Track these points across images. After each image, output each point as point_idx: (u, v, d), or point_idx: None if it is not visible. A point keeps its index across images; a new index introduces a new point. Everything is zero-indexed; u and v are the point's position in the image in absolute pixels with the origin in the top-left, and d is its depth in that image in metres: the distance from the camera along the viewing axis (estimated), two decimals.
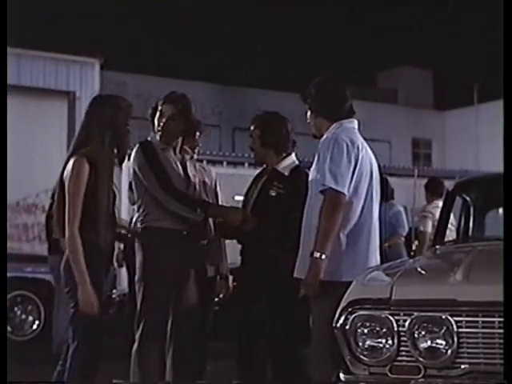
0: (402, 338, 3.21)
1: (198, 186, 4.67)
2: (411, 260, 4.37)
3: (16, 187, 11.78)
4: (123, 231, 4.76)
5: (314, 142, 4.26)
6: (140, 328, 4.39)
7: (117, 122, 4.13)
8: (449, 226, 4.83)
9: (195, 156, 4.97)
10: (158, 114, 4.61)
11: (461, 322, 3.14)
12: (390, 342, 3.23)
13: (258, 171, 4.98)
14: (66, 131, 14.51)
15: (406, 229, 8.88)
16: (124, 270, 7.88)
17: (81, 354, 3.96)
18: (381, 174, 4.28)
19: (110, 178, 4.12)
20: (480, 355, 3.12)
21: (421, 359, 3.19)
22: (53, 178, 4.17)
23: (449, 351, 3.15)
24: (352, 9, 44.69)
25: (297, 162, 4.78)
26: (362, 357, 3.28)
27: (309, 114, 4.22)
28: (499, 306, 3.01)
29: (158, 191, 4.44)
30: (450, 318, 3.15)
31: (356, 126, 4.16)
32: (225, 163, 14.70)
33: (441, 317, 3.16)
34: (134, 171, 4.56)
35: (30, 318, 9.33)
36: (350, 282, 3.50)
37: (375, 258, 4.07)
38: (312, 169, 4.13)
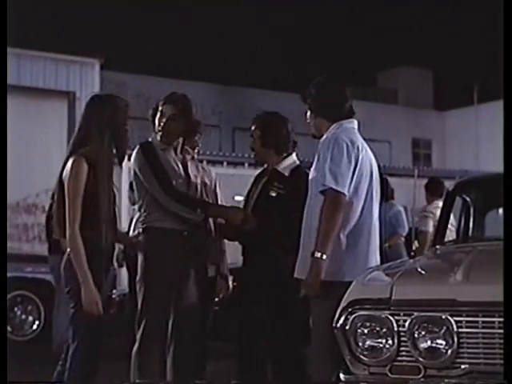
0: (402, 338, 3.21)
1: (199, 187, 4.67)
2: (411, 260, 4.37)
3: (16, 187, 11.78)
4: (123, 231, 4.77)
5: (315, 142, 4.26)
6: (141, 328, 4.40)
7: (115, 121, 4.13)
8: (449, 226, 4.83)
9: (196, 156, 4.97)
10: (158, 114, 4.62)
11: (461, 322, 3.14)
12: (389, 342, 3.23)
13: (258, 171, 4.97)
14: (66, 131, 14.50)
15: (406, 229, 8.88)
16: (124, 269, 7.89)
17: (81, 354, 3.96)
18: (381, 174, 4.28)
19: (109, 177, 4.12)
20: (480, 355, 3.12)
21: (421, 359, 3.19)
22: (53, 178, 4.17)
23: (449, 351, 3.15)
24: (352, 9, 44.72)
25: (297, 162, 4.77)
26: (362, 357, 3.28)
27: (308, 114, 4.22)
28: (499, 306, 3.01)
29: (158, 192, 4.45)
30: (450, 318, 3.15)
31: (356, 127, 4.16)
32: (225, 163, 14.71)
33: (441, 317, 3.16)
34: (135, 172, 4.56)
35: (30, 318, 9.33)
36: (351, 282, 3.50)
37: (375, 258, 4.07)
38: (312, 169, 4.13)
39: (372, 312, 3.27)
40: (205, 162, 5.01)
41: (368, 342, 3.28)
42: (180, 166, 4.60)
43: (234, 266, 5.14)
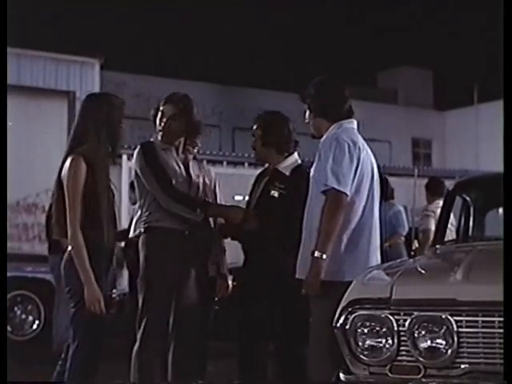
0: (402, 338, 3.22)
1: (201, 186, 4.67)
2: (411, 260, 4.37)
3: (16, 187, 11.78)
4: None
5: (315, 141, 4.26)
6: (141, 327, 4.40)
7: (111, 119, 4.14)
8: (449, 225, 4.83)
9: (197, 156, 4.97)
10: (159, 114, 4.62)
11: (461, 321, 3.14)
12: (389, 341, 3.23)
13: (258, 171, 4.97)
14: (66, 131, 14.49)
15: (406, 228, 8.88)
16: (124, 269, 7.89)
17: (81, 353, 3.96)
18: (380, 174, 4.29)
19: (107, 176, 4.14)
20: (480, 355, 3.12)
21: (421, 359, 3.19)
22: (53, 178, 4.18)
23: (449, 351, 3.16)
24: (352, 9, 44.71)
25: (299, 162, 4.77)
26: (362, 357, 3.28)
27: (307, 114, 4.21)
28: (499, 306, 3.01)
29: (157, 192, 4.45)
30: (450, 317, 3.15)
31: (355, 127, 4.17)
32: (225, 163, 14.70)
33: (441, 316, 3.16)
34: (136, 172, 4.56)
35: (30, 318, 9.33)
36: (351, 282, 3.50)
37: (376, 258, 4.07)
38: (312, 169, 4.13)
39: (372, 312, 3.27)
40: (205, 162, 4.99)
41: (368, 342, 3.28)
42: (181, 165, 4.60)
43: (234, 266, 5.14)
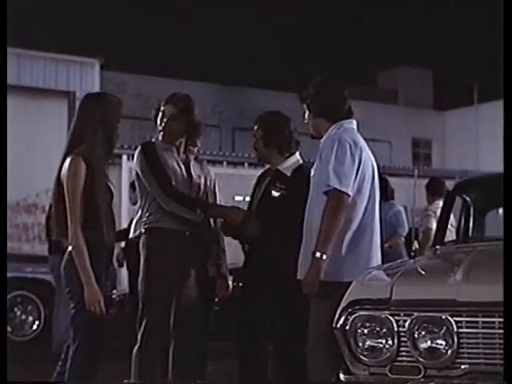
0: (402, 339, 3.21)
1: (202, 186, 4.67)
2: (411, 260, 4.37)
3: (16, 187, 11.79)
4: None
5: (315, 142, 4.26)
6: (142, 327, 4.40)
7: (108, 119, 4.14)
8: (449, 226, 4.83)
9: (199, 156, 4.96)
10: (160, 114, 4.62)
11: (461, 322, 3.14)
12: (390, 342, 3.23)
13: (258, 171, 4.98)
14: (66, 131, 14.47)
15: (406, 229, 8.88)
16: (124, 269, 7.89)
17: (81, 354, 3.96)
18: (380, 175, 4.29)
19: (105, 175, 4.14)
20: (480, 355, 3.12)
21: (421, 359, 3.19)
22: (53, 178, 4.18)
23: (449, 351, 3.15)
24: (352, 9, 44.71)
25: (300, 162, 4.76)
26: (362, 357, 3.28)
27: (307, 114, 4.21)
28: (499, 306, 3.01)
29: (157, 192, 4.45)
30: (450, 318, 3.15)
31: (355, 127, 4.17)
32: (225, 163, 14.70)
33: (441, 317, 3.16)
34: (137, 173, 4.56)
35: (30, 318, 9.33)
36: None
37: (376, 259, 4.07)
38: (313, 169, 4.12)
39: (372, 312, 3.27)
40: (205, 162, 4.98)
41: (368, 342, 3.28)
42: (182, 166, 4.60)
43: (234, 266, 5.14)
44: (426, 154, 28.24)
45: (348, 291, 3.39)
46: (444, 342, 3.16)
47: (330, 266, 3.83)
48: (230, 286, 4.93)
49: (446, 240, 4.70)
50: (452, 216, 4.94)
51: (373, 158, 4.13)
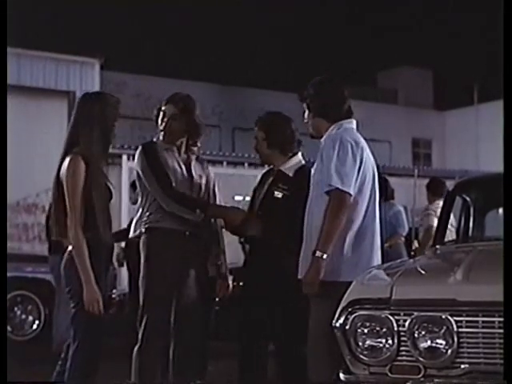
0: (402, 338, 3.21)
1: (203, 187, 4.67)
2: (411, 260, 4.37)
3: (16, 187, 11.79)
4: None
5: (315, 142, 4.26)
6: (142, 327, 4.40)
7: (107, 118, 4.14)
8: (449, 226, 4.83)
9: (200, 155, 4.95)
10: (161, 114, 4.62)
11: (461, 321, 3.14)
12: (389, 341, 3.23)
13: (258, 171, 4.98)
14: (66, 131, 14.48)
15: (406, 229, 8.88)
16: (124, 269, 7.89)
17: (81, 353, 3.96)
18: (380, 175, 4.29)
19: (104, 175, 4.14)
20: (480, 355, 3.12)
21: (421, 359, 3.19)
22: (53, 178, 4.17)
23: (449, 351, 3.16)
24: (352, 9, 44.71)
25: (303, 162, 4.76)
26: (361, 357, 3.28)
27: (306, 113, 4.21)
28: (499, 306, 3.01)
29: (157, 192, 4.45)
30: (450, 317, 3.15)
31: (355, 127, 4.17)
32: (225, 163, 14.71)
33: (441, 317, 3.16)
34: (137, 173, 4.57)
35: (30, 318, 9.33)
36: None
37: (377, 259, 4.07)
38: (313, 169, 4.12)
39: (372, 312, 3.27)
40: (206, 162, 4.98)
41: (368, 342, 3.28)
42: (183, 166, 4.60)
43: (234, 266, 5.14)
44: (426, 154, 28.24)
45: (348, 291, 3.39)
46: (444, 342, 3.16)
47: (330, 265, 3.83)
48: (230, 285, 4.93)
49: (445, 240, 4.70)
50: (452, 216, 4.94)
51: (373, 158, 4.13)
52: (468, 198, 5.01)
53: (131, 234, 4.68)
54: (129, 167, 12.84)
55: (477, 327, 3.11)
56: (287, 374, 4.60)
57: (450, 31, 43.69)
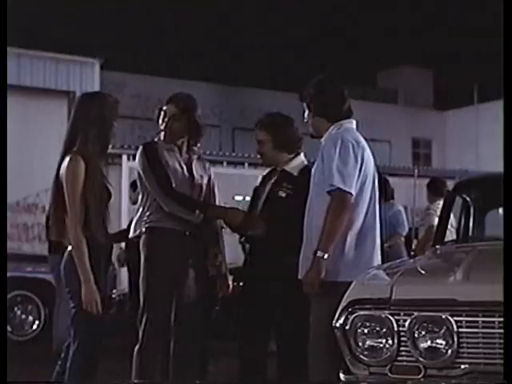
0: (402, 338, 3.21)
1: (204, 187, 4.66)
2: (411, 260, 4.37)
3: (16, 187, 11.78)
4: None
5: (314, 141, 4.25)
6: (143, 327, 4.40)
7: (105, 118, 4.14)
8: (449, 226, 4.83)
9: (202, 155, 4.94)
10: (162, 114, 4.62)
11: (461, 321, 3.14)
12: (390, 341, 3.23)
13: (258, 171, 4.97)
14: None
15: (406, 229, 8.89)
16: (124, 269, 7.89)
17: (81, 353, 3.96)
18: (379, 174, 4.28)
19: (103, 174, 4.14)
20: (480, 355, 3.12)
21: (421, 359, 3.19)
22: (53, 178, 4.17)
23: (449, 351, 3.16)
24: (352, 9, 44.72)
25: (305, 162, 4.75)
26: (362, 357, 3.28)
27: (307, 113, 4.21)
28: (499, 306, 3.01)
29: (158, 193, 4.45)
30: (450, 317, 3.15)
31: (355, 127, 4.17)
32: (225, 163, 14.71)
33: (441, 317, 3.16)
34: (138, 172, 4.57)
35: (30, 318, 9.33)
36: None
37: (377, 259, 4.07)
38: (314, 169, 4.12)
39: (372, 312, 3.27)
40: (207, 162, 4.96)
41: (368, 342, 3.28)
42: (184, 166, 4.59)
43: (234, 266, 5.14)
44: (426, 154, 28.23)
45: (348, 291, 3.39)
46: (444, 342, 3.16)
47: (331, 265, 3.83)
48: (230, 285, 4.93)
49: (445, 240, 4.70)
50: (452, 216, 4.94)
51: (372, 158, 4.13)
52: (468, 198, 5.01)
53: (131, 234, 4.68)
54: (129, 167, 12.84)
55: (477, 327, 3.12)
56: (287, 374, 4.60)
57: (449, 31, 43.71)
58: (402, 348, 3.22)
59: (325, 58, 33.72)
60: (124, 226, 7.49)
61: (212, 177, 4.91)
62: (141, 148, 4.60)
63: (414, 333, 3.19)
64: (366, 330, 3.28)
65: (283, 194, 4.59)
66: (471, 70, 30.65)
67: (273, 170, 4.81)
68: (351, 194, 3.86)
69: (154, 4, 36.40)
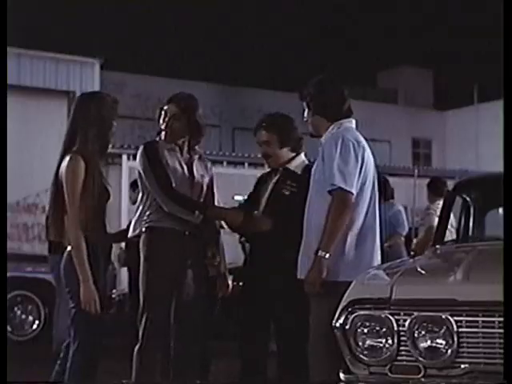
0: (402, 338, 3.21)
1: (204, 186, 4.66)
2: (411, 260, 4.37)
3: (16, 187, 11.78)
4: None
5: (313, 140, 4.25)
6: (143, 327, 4.40)
7: (104, 118, 4.14)
8: (448, 226, 4.83)
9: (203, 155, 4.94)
10: (162, 113, 4.62)
11: (461, 321, 3.14)
12: (389, 341, 3.23)
13: (258, 171, 4.96)
14: None
15: (406, 229, 8.88)
16: (124, 269, 7.89)
17: (81, 353, 3.96)
18: (379, 174, 4.28)
19: (102, 174, 4.14)
20: (480, 355, 3.12)
21: (421, 359, 3.19)
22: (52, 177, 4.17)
23: (449, 351, 3.16)
24: (352, 9, 44.72)
25: (306, 162, 4.75)
26: (362, 356, 3.28)
27: (306, 112, 4.21)
28: (499, 306, 3.01)
29: (158, 193, 4.45)
30: (450, 317, 3.15)
31: (354, 126, 4.17)
32: (225, 163, 14.71)
33: (441, 316, 3.17)
34: (139, 172, 4.57)
35: (30, 318, 9.33)
36: None
37: (377, 258, 4.07)
38: (313, 168, 4.12)
39: (372, 312, 3.27)
40: (209, 162, 4.95)
41: (368, 342, 3.28)
42: (184, 166, 4.59)
43: (234, 266, 5.14)
44: (426, 154, 28.23)
45: (348, 290, 3.39)
46: (444, 342, 3.16)
47: (332, 265, 3.83)
48: (230, 285, 4.93)
49: (445, 240, 4.70)
50: (452, 216, 4.94)
51: (372, 158, 4.13)
52: (468, 198, 5.01)
53: (131, 233, 4.68)
54: (129, 167, 12.84)
55: (477, 327, 3.12)
56: (287, 374, 4.60)
57: (449, 31, 43.71)
58: (401, 348, 3.22)
59: (325, 57, 33.72)
60: (124, 226, 7.49)
61: (211, 177, 4.91)
62: (141, 147, 4.60)
63: (413, 333, 3.19)
64: (365, 330, 3.28)
65: (287, 192, 4.59)
66: (471, 70, 30.66)
67: (274, 169, 4.80)
68: (352, 193, 3.86)
69: (154, 4, 36.41)
